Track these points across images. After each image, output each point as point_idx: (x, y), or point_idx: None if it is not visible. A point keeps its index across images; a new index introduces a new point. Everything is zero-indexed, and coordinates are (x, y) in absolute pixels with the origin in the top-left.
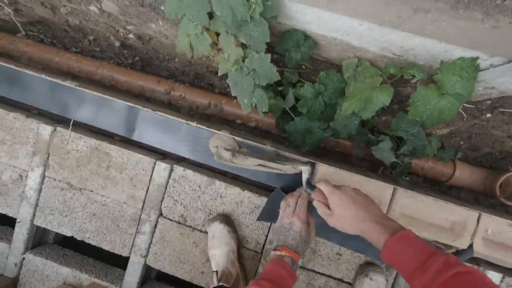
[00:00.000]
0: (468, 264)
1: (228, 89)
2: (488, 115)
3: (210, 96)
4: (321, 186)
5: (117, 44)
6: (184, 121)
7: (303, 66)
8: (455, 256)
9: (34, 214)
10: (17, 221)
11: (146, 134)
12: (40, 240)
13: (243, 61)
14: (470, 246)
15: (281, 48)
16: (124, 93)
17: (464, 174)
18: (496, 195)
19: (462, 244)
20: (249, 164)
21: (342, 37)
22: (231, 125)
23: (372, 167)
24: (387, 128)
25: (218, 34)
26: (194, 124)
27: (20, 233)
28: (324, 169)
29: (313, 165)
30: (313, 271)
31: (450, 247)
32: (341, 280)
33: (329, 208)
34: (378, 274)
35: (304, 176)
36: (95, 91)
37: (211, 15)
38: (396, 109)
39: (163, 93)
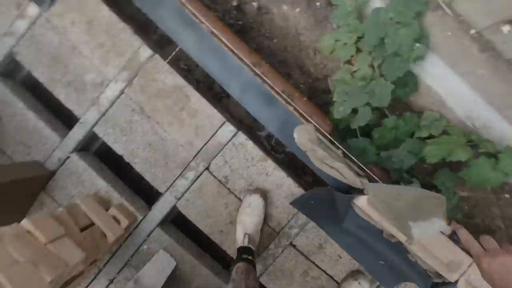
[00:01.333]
0: None
1: (301, 85)
2: (507, 195)
3: (286, 86)
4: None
5: (235, 3)
6: (284, 102)
7: None
8: None
9: (97, 121)
10: (80, 121)
11: (245, 95)
12: (85, 147)
13: (370, 81)
14: (456, 282)
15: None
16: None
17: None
18: None
19: (451, 278)
20: (328, 166)
21: (443, 94)
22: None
23: None
24: (423, 173)
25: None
26: (291, 108)
27: (77, 133)
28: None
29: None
30: (313, 262)
31: (441, 276)
32: (331, 277)
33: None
34: (367, 281)
35: (447, 229)
36: (222, 38)
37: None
38: (440, 163)
39: (248, 65)
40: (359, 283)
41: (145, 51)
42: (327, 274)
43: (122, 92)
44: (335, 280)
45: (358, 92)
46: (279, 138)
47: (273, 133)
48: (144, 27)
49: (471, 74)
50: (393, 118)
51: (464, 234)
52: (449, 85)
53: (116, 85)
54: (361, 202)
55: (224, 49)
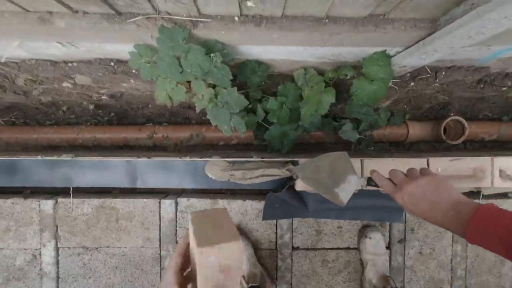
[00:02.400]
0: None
1: (203, 118)
2: (412, 83)
3: (190, 129)
4: (377, 179)
5: (91, 107)
6: (178, 158)
7: (263, 83)
8: None
9: (57, 287)
10: None
11: (148, 179)
12: None
13: (216, 97)
14: None
15: (242, 76)
16: (109, 148)
17: (416, 130)
18: (443, 139)
19: None
20: (253, 178)
21: (286, 57)
22: (215, 148)
23: (345, 147)
24: (345, 114)
25: (189, 82)
26: (187, 159)
27: None
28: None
29: (294, 163)
30: (323, 248)
31: None
32: (348, 248)
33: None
34: (374, 232)
35: (361, 181)
36: (93, 157)
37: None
38: (346, 97)
39: (147, 138)
40: (369, 238)
41: (47, 204)
42: (342, 248)
43: (57, 249)
44: (352, 248)
45: (217, 112)
46: (201, 188)
47: (192, 188)
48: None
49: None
50: (272, 99)
51: (376, 177)
52: (276, 52)
53: (47, 248)
54: (298, 185)
55: (104, 160)
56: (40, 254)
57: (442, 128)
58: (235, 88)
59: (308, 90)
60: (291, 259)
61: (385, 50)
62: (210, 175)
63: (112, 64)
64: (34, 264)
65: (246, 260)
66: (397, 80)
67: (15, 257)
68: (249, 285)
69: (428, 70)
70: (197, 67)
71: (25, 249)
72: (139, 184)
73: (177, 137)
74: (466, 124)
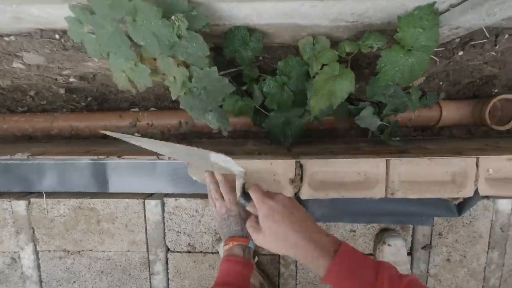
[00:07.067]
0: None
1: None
2: (460, 53)
3: (178, 115)
4: (250, 192)
5: (62, 91)
6: (155, 157)
7: (260, 58)
8: (391, 265)
9: None
10: None
11: (120, 184)
12: None
13: (190, 81)
14: (476, 192)
15: (229, 50)
16: (89, 139)
17: (451, 112)
18: (487, 123)
19: (468, 193)
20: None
21: (286, 20)
22: (208, 136)
23: (362, 133)
24: (365, 95)
25: (156, 58)
26: (167, 159)
27: None
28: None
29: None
30: None
31: (457, 198)
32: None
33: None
34: (395, 238)
35: (239, 182)
36: (53, 156)
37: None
38: (367, 74)
39: (129, 127)
40: (388, 244)
41: (19, 205)
42: None
43: (37, 252)
44: (368, 254)
45: (193, 100)
46: (183, 192)
47: (175, 192)
48: None
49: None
50: (269, 80)
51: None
52: (273, 12)
53: (25, 251)
54: (303, 194)
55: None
56: (19, 257)
57: (488, 109)
58: (215, 68)
59: (316, 67)
60: (295, 266)
61: (434, 2)
62: (195, 178)
63: (58, 37)
64: (14, 268)
65: None
66: (440, 49)
67: None
68: None
69: (486, 33)
70: (152, 38)
71: (2, 252)
72: (111, 189)
73: (163, 125)
74: None
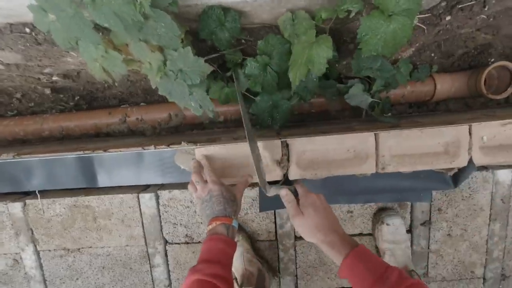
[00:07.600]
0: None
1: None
2: (448, 17)
3: (167, 107)
4: (298, 186)
5: (48, 91)
6: (140, 148)
7: (243, 41)
8: (403, 270)
9: None
10: None
11: (110, 177)
12: None
13: (165, 64)
14: (470, 161)
15: (205, 32)
16: (81, 138)
17: (446, 85)
18: (484, 93)
19: (462, 162)
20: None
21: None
22: (201, 128)
23: (355, 113)
24: (352, 71)
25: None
26: (152, 148)
27: None
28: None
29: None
30: None
31: (452, 169)
32: (360, 234)
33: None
34: (393, 217)
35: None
36: (38, 154)
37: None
38: (352, 49)
39: (119, 123)
40: (387, 224)
41: (15, 207)
42: (353, 235)
43: (38, 252)
44: (366, 234)
45: (170, 85)
46: (171, 182)
47: (164, 183)
48: None
49: None
50: (250, 61)
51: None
52: None
53: (26, 252)
54: (292, 174)
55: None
56: (21, 258)
57: (483, 78)
58: (188, 48)
59: (295, 46)
60: (295, 250)
61: None
62: (182, 167)
63: (28, 30)
64: (17, 269)
65: (241, 257)
66: (426, 15)
67: None
68: None
69: None
70: (115, 18)
71: (4, 254)
72: (100, 183)
73: (153, 119)
74: None
